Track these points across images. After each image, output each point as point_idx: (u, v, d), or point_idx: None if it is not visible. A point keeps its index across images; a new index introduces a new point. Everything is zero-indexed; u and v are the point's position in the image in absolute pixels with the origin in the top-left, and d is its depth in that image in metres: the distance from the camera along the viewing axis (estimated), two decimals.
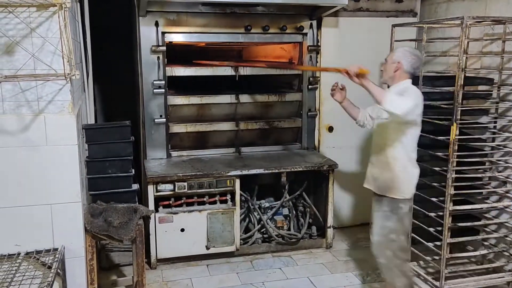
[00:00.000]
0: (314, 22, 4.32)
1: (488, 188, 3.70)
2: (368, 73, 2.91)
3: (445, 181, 3.36)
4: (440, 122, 3.38)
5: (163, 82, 4.01)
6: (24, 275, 2.46)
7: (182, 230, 3.84)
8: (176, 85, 4.34)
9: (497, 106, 3.65)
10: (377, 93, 2.83)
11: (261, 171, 3.96)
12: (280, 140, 4.59)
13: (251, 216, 4.19)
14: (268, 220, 4.16)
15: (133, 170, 3.23)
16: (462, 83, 3.26)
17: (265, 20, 4.18)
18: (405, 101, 2.82)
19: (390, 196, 3.05)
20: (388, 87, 3.18)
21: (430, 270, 3.77)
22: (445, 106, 3.39)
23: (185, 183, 3.81)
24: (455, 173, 3.36)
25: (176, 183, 3.79)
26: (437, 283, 3.47)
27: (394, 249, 3.09)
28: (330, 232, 4.27)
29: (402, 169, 3.03)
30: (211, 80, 4.41)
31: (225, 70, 4.22)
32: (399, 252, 3.10)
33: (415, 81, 3.63)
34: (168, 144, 4.19)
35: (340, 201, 4.40)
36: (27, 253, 2.64)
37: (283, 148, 4.55)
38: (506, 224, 3.60)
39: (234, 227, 3.95)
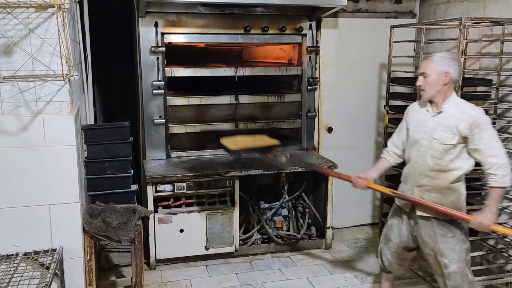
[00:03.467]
0: (314, 23, 4.32)
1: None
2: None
3: None
4: None
5: (163, 82, 4.01)
6: (22, 276, 2.47)
7: (181, 230, 3.84)
8: (176, 86, 4.34)
9: (496, 107, 3.65)
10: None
11: (260, 171, 3.96)
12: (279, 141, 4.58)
13: (250, 217, 4.19)
14: (268, 221, 4.16)
15: (132, 171, 3.23)
16: (460, 84, 3.26)
17: (265, 21, 4.18)
18: (498, 146, 2.60)
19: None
20: (432, 103, 2.77)
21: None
22: None
23: (184, 184, 3.81)
24: None
25: (175, 184, 3.79)
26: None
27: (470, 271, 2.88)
28: (329, 232, 4.27)
29: (463, 187, 2.85)
30: (210, 80, 4.41)
31: (225, 71, 4.22)
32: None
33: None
34: (167, 144, 4.19)
35: (339, 202, 4.39)
36: (25, 254, 2.65)
37: (283, 149, 4.54)
38: (505, 224, 3.59)
39: (233, 227, 3.96)
